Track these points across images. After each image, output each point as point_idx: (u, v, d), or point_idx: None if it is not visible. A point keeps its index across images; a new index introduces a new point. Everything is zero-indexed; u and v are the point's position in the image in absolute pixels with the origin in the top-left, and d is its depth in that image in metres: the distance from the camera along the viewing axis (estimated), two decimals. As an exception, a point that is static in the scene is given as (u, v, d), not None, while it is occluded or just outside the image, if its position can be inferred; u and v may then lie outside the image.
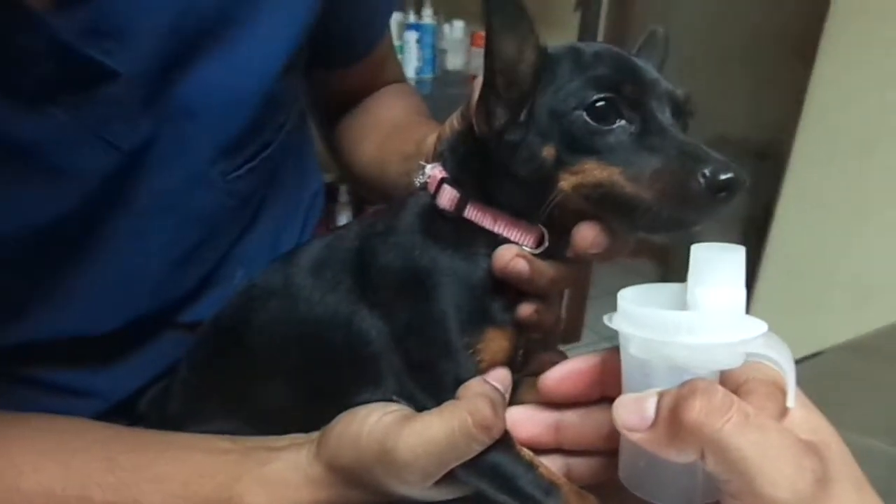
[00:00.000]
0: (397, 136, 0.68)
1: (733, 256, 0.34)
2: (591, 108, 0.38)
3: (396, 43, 2.18)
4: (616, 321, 0.36)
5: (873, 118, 1.78)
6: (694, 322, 0.33)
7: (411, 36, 2.18)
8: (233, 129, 0.55)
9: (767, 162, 2.31)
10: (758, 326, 0.34)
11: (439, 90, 2.14)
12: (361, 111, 0.78)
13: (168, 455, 0.46)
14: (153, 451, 0.47)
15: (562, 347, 0.51)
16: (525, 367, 0.47)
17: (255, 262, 0.61)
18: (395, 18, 2.15)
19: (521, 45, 0.39)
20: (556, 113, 0.39)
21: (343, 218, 2.24)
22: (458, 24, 2.31)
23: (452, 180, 0.45)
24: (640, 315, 0.35)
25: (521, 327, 0.44)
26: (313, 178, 0.77)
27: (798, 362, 0.65)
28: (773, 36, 2.74)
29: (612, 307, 0.37)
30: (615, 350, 0.38)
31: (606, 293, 0.37)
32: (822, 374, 0.68)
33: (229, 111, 0.54)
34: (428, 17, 2.23)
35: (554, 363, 0.42)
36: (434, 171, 0.46)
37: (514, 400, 0.45)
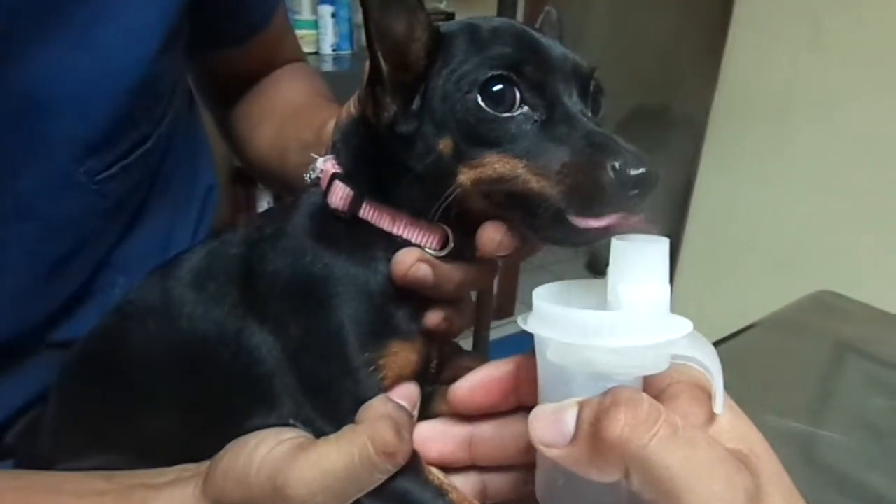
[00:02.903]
0: (296, 121, 0.63)
1: (656, 249, 0.31)
2: (485, 91, 0.34)
3: (311, 18, 2.09)
4: (531, 323, 0.32)
5: (787, 83, 1.82)
6: (616, 323, 0.30)
7: (326, 10, 2.09)
8: (97, 122, 0.49)
9: (688, 130, 2.35)
10: (682, 325, 0.31)
11: (358, 66, 2.06)
12: (257, 95, 0.71)
13: (34, 501, 0.40)
14: (14, 497, 0.40)
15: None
16: (440, 376, 0.43)
17: (140, 268, 0.54)
18: (307, -7, 2.05)
19: (409, 23, 0.34)
20: (449, 98, 0.35)
21: (264, 202, 2.14)
22: (375, -2, 2.23)
23: (345, 176, 0.40)
24: (556, 316, 0.31)
25: (430, 336, 0.40)
26: (206, 172, 0.70)
27: (725, 340, 0.63)
28: (690, 6, 2.78)
29: (547, 279, 0.34)
30: (531, 354, 0.35)
31: (539, 266, 0.34)
32: (747, 352, 0.67)
33: (90, 102, 0.48)
34: (343, -10, 2.14)
35: (470, 368, 0.38)
36: (326, 166, 0.41)
37: (429, 412, 0.41)
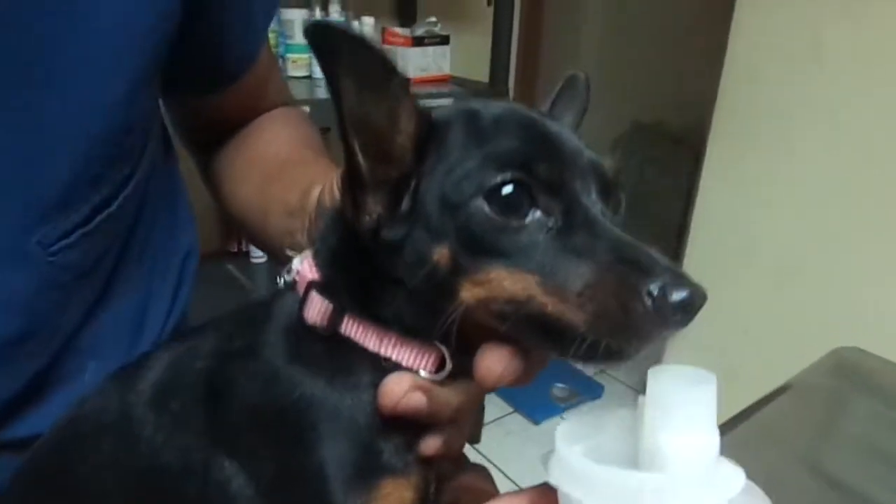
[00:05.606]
0: (280, 179, 0.56)
1: (704, 391, 0.25)
2: (493, 196, 0.29)
3: (303, 42, 2.04)
4: (555, 474, 0.27)
5: (787, 96, 1.78)
6: (660, 485, 0.25)
7: (318, 34, 2.04)
8: (48, 184, 0.43)
9: (685, 146, 2.31)
10: (735, 478, 0.25)
11: (351, 91, 2.01)
12: (239, 145, 0.64)
13: None
14: None
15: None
16: (440, 498, 0.37)
17: (114, 350, 0.48)
18: (300, 16, 2.01)
19: (391, 111, 0.29)
20: (447, 203, 0.29)
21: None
22: (368, 21, 2.18)
23: (324, 285, 0.34)
24: (588, 472, 0.26)
25: (428, 462, 0.34)
26: (185, 234, 0.63)
27: (750, 411, 0.56)
28: (686, 21, 2.75)
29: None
30: (544, 490, 0.29)
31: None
32: (778, 424, 0.60)
33: (35, 160, 0.42)
34: (336, 13, 2.09)
35: (473, 489, 0.33)
36: (303, 268, 0.35)
37: None
